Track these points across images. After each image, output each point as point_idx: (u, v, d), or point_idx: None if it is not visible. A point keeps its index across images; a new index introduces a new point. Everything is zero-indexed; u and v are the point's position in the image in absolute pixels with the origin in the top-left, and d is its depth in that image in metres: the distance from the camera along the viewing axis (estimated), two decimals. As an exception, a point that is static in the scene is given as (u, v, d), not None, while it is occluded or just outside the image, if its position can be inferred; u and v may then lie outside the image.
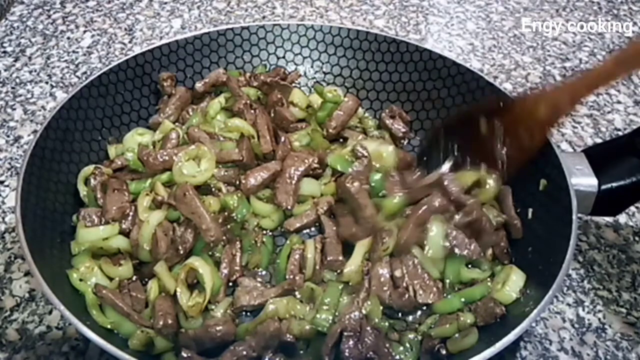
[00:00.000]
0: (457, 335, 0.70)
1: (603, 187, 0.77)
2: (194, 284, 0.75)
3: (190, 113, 0.97)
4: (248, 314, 0.75)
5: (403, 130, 1.00)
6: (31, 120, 1.07)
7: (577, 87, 0.76)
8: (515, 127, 0.80)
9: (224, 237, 0.78)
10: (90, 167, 0.85)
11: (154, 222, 0.76)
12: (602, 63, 0.78)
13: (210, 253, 0.78)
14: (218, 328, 0.68)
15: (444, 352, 0.69)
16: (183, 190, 0.76)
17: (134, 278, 0.77)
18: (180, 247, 0.75)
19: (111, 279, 0.75)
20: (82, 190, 0.83)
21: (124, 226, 0.78)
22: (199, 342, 0.68)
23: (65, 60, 1.23)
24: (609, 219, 0.93)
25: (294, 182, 0.85)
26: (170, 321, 0.69)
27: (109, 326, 0.69)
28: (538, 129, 0.79)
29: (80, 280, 0.73)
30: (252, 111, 0.93)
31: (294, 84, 1.04)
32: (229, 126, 0.92)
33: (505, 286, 0.72)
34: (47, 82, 1.17)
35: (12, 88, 1.15)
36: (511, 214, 0.82)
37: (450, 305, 0.73)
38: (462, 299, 0.74)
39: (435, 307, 0.74)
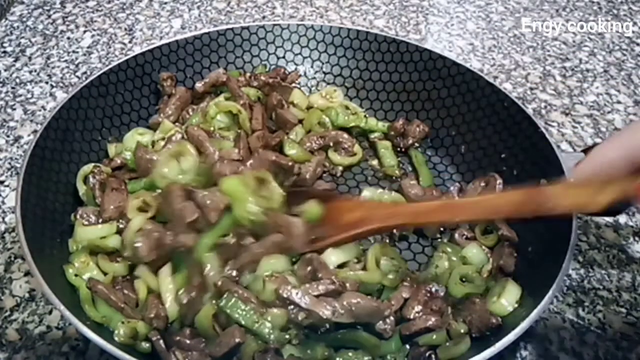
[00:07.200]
0: (447, 343, 0.69)
1: (603, 187, 0.76)
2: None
3: (190, 113, 0.97)
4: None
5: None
6: (31, 120, 1.07)
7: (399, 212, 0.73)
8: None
9: None
10: (90, 166, 0.85)
11: (134, 228, 0.75)
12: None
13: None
14: None
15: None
16: (168, 190, 0.75)
17: (128, 277, 0.76)
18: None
19: (105, 274, 0.75)
20: (81, 189, 0.83)
21: (121, 226, 0.78)
22: None
23: (65, 60, 1.23)
24: (609, 219, 0.93)
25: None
26: (162, 314, 0.69)
27: (99, 320, 0.69)
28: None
29: (76, 275, 0.73)
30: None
31: (294, 84, 1.05)
32: (220, 106, 0.92)
33: (501, 298, 0.72)
34: (47, 82, 1.17)
35: (12, 88, 1.15)
36: (503, 224, 0.82)
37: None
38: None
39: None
